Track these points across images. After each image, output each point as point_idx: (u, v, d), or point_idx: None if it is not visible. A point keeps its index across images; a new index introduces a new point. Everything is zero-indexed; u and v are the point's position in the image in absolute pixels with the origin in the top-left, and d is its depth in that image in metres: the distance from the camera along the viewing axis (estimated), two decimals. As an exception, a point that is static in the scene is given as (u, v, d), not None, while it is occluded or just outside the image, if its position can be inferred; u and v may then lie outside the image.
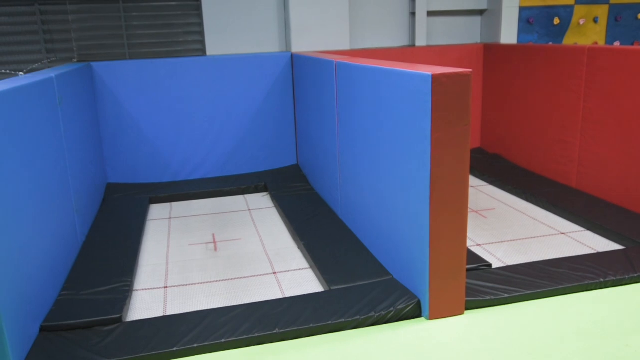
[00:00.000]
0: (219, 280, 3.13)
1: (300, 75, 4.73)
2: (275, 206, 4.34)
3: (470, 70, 2.33)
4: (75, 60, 4.87)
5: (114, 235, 3.67)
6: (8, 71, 4.57)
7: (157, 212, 4.41)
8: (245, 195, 4.77)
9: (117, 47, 5.02)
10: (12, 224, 2.31)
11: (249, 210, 4.38)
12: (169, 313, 2.77)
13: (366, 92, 3.03)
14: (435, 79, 2.28)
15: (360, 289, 2.76)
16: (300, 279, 3.11)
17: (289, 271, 3.22)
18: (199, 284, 3.10)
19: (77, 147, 3.68)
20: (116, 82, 4.68)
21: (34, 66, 4.71)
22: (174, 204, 4.62)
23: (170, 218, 4.27)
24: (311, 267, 3.22)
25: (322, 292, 2.82)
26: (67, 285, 2.91)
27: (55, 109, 3.25)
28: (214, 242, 3.73)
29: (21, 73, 4.05)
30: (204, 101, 4.92)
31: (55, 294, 2.79)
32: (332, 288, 2.82)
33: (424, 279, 2.51)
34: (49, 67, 4.38)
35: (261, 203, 4.54)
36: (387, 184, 2.85)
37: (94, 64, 4.60)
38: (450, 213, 2.42)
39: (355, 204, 3.47)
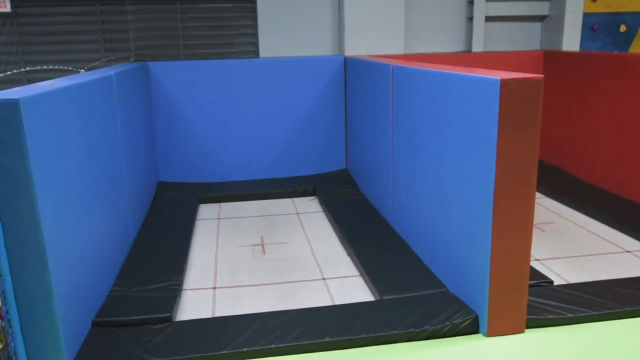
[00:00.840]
0: (268, 284, 3.09)
1: (353, 78, 4.67)
2: (324, 210, 4.29)
3: (542, 75, 2.21)
4: (132, 59, 4.97)
5: (164, 234, 3.69)
6: (70, 68, 4.70)
7: (206, 212, 4.42)
8: (294, 199, 4.73)
9: (173, 48, 5.09)
10: (70, 219, 2.33)
11: (297, 213, 4.34)
12: (217, 314, 2.74)
13: (425, 97, 2.93)
14: (504, 84, 2.17)
15: (414, 300, 2.66)
16: (350, 286, 3.04)
17: (338, 278, 3.15)
18: (247, 286, 3.07)
19: (132, 144, 3.72)
20: (171, 81, 4.73)
21: (94, 64, 4.82)
22: (223, 204, 4.63)
23: (219, 218, 4.27)
24: (361, 274, 3.14)
25: (373, 302, 2.74)
26: (119, 281, 2.93)
27: (113, 106, 3.29)
28: (262, 244, 3.70)
29: (82, 70, 4.15)
30: (256, 103, 4.92)
31: (107, 289, 2.81)
32: (383, 298, 2.73)
33: (483, 293, 2.39)
34: (107, 66, 4.46)
35: (309, 207, 4.49)
36: (445, 192, 2.75)
37: (150, 64, 4.66)
38: (514, 225, 2.29)
39: (408, 212, 3.38)
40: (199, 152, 4.92)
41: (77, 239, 2.40)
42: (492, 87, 2.21)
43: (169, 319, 2.56)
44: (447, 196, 2.73)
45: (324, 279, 3.14)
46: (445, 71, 2.69)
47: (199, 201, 4.58)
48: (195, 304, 2.87)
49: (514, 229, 2.30)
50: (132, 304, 2.68)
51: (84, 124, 2.64)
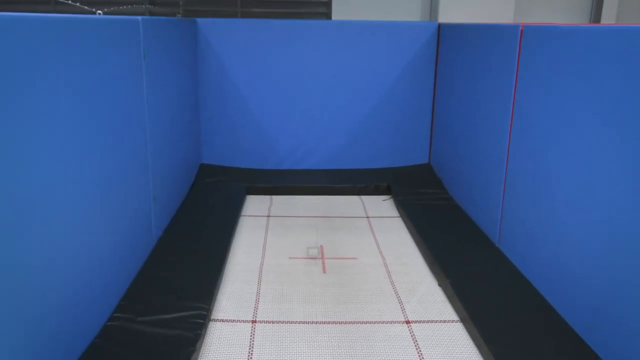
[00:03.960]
0: (329, 323, 2.20)
1: (450, 50, 3.67)
2: (402, 217, 3.34)
3: None
4: (179, 15, 4.15)
5: (198, 233, 2.86)
6: (84, 6, 3.85)
7: (255, 207, 3.57)
8: (362, 197, 3.81)
9: (229, 4, 4.23)
10: (53, 212, 1.50)
11: (368, 217, 3.42)
12: (254, 371, 1.87)
13: (593, 75, 1.93)
14: None
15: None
16: (445, 335, 2.10)
17: (429, 322, 2.21)
18: (300, 323, 2.19)
19: (164, 117, 2.89)
20: (223, 43, 3.89)
21: (120, 8, 3.97)
22: (275, 197, 3.77)
23: (269, 216, 3.41)
24: (462, 320, 2.19)
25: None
26: (124, 304, 2.11)
27: (138, 64, 2.46)
28: (322, 258, 2.80)
29: (99, 12, 3.33)
30: (323, 76, 4.00)
31: (105, 315, 2.00)
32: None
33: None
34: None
35: (383, 209, 3.56)
36: (617, 213, 1.75)
37: (199, 20, 3.83)
38: None
39: (534, 236, 2.38)
40: (250, 132, 4.07)
41: (60, 245, 1.58)
42: None
43: (182, 377, 1.71)
44: (617, 220, 1.73)
45: (407, 322, 2.22)
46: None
47: (246, 191, 3.74)
48: (226, 343, 2.02)
49: None
50: (132, 344, 1.85)
51: (83, 79, 1.81)
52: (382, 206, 3.62)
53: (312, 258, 2.77)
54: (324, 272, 2.66)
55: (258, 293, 2.43)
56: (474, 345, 2.04)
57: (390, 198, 3.74)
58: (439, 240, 2.83)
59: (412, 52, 3.98)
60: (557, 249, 2.15)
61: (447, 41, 3.73)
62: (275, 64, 3.95)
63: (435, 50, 3.96)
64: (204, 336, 2.00)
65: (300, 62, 3.97)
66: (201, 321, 2.02)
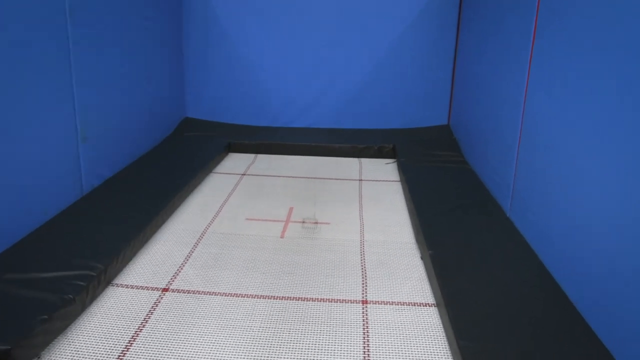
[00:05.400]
0: (261, 297, 1.67)
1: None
2: (402, 181, 2.76)
3: None
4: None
5: (144, 187, 2.39)
6: None
7: (233, 164, 3.08)
8: (362, 159, 3.24)
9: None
10: None
11: (360, 180, 2.86)
12: (137, 352, 1.38)
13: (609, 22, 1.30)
14: None
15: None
16: (409, 321, 1.54)
17: (393, 304, 1.65)
18: (224, 295, 1.68)
19: (110, 56, 2.42)
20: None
21: None
22: (262, 156, 3.26)
23: (244, 174, 2.90)
24: (438, 304, 1.62)
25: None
26: (10, 252, 1.66)
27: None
28: (286, 221, 2.27)
29: None
30: (325, 22, 3.43)
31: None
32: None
33: None
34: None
35: (382, 173, 2.99)
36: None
37: (184, -49, 3.35)
38: None
39: (547, 205, 1.77)
40: (241, 85, 3.56)
41: None
42: None
43: (7, 354, 1.24)
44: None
45: (364, 302, 1.66)
46: None
47: (228, 148, 3.25)
48: (112, 314, 1.54)
49: None
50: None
51: None
52: (383, 170, 3.04)
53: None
54: (282, 237, 2.13)
55: (188, 257, 1.93)
56: (443, 337, 1.47)
57: (394, 161, 3.16)
58: (436, 206, 2.25)
59: (432, -7, 3.35)
60: (574, 225, 1.53)
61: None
62: (272, 10, 3.42)
63: (458, -6, 3.32)
64: (84, 302, 1.52)
65: (299, 7, 3.41)
66: (82, 283, 1.54)
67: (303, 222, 2.26)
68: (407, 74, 3.50)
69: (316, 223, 2.26)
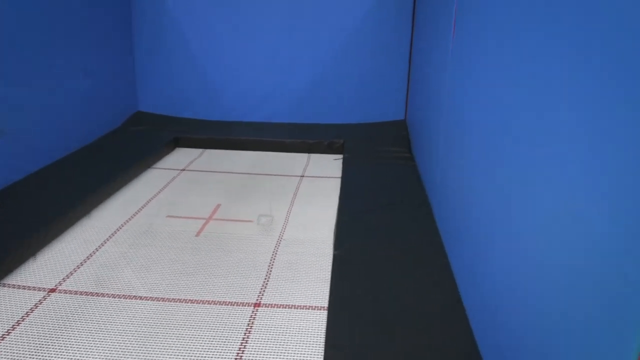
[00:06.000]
0: (157, 299, 1.60)
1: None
2: (342, 177, 2.68)
3: None
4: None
5: (67, 182, 2.32)
6: None
7: (177, 159, 3.01)
8: (312, 155, 3.16)
9: None
10: None
11: (302, 176, 2.78)
12: (-14, 358, 1.32)
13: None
14: None
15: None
16: (295, 324, 1.46)
17: (286, 307, 1.57)
18: (119, 297, 1.61)
19: (29, 36, 2.35)
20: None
21: None
22: (210, 151, 3.19)
23: (184, 170, 2.83)
24: (329, 308, 1.54)
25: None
26: None
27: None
28: (207, 219, 2.20)
29: None
30: (281, 14, 3.35)
31: None
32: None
33: None
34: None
35: (327, 169, 2.90)
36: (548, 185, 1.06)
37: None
38: None
39: (454, 202, 1.69)
40: (196, 79, 3.48)
41: None
42: None
43: None
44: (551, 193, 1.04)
45: (256, 305, 1.59)
46: None
47: (175, 143, 3.18)
48: (-13, 321, 1.47)
49: None
50: None
51: None
52: (330, 166, 2.96)
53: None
54: (197, 235, 2.06)
55: (90, 256, 1.86)
56: (320, 342, 1.40)
57: (342, 157, 3.07)
58: (362, 206, 2.17)
59: (387, -17, 3.25)
60: (479, 232, 1.45)
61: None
62: (225, 1, 3.34)
63: (413, -19, 3.22)
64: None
65: (254, -5, 3.34)
66: (-47, 284, 1.48)
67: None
68: (364, 67, 3.41)
69: (238, 221, 2.19)
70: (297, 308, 1.57)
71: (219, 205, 2.35)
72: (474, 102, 1.48)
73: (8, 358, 1.32)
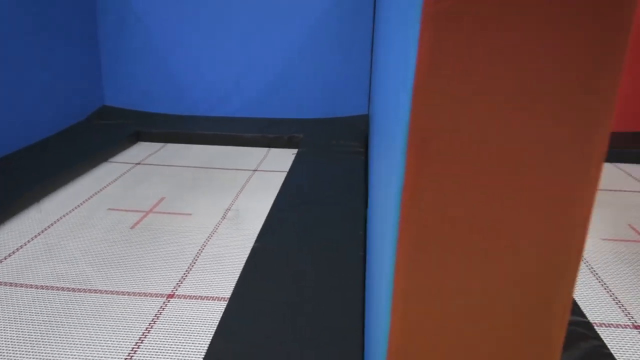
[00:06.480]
0: (67, 290, 1.63)
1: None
2: (288, 172, 2.70)
3: None
4: None
5: (16, 176, 2.36)
6: None
7: (135, 153, 3.04)
8: (272, 149, 3.18)
9: None
10: None
11: (255, 171, 2.80)
12: None
13: None
14: None
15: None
16: (202, 315, 1.49)
17: (196, 298, 1.60)
18: (27, 287, 1.64)
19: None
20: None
21: None
22: (170, 145, 3.21)
23: (139, 163, 2.86)
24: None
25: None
26: None
27: None
28: (147, 212, 2.23)
29: None
30: (244, 10, 3.36)
31: None
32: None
33: None
34: None
35: (282, 164, 2.92)
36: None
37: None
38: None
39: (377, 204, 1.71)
40: (159, 74, 3.51)
41: None
42: None
43: None
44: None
45: (170, 296, 1.61)
46: None
47: (136, 137, 3.21)
48: None
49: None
50: None
51: None
52: (286, 160, 2.98)
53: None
54: (133, 227, 2.08)
55: (19, 249, 1.89)
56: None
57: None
58: (298, 199, 2.19)
59: (350, -22, 3.26)
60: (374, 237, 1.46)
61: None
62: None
63: (373, -25, 3.23)
64: None
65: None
66: None
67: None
68: (327, 62, 3.42)
69: (178, 214, 2.21)
70: (207, 299, 1.60)
71: (162, 199, 2.37)
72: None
73: None
